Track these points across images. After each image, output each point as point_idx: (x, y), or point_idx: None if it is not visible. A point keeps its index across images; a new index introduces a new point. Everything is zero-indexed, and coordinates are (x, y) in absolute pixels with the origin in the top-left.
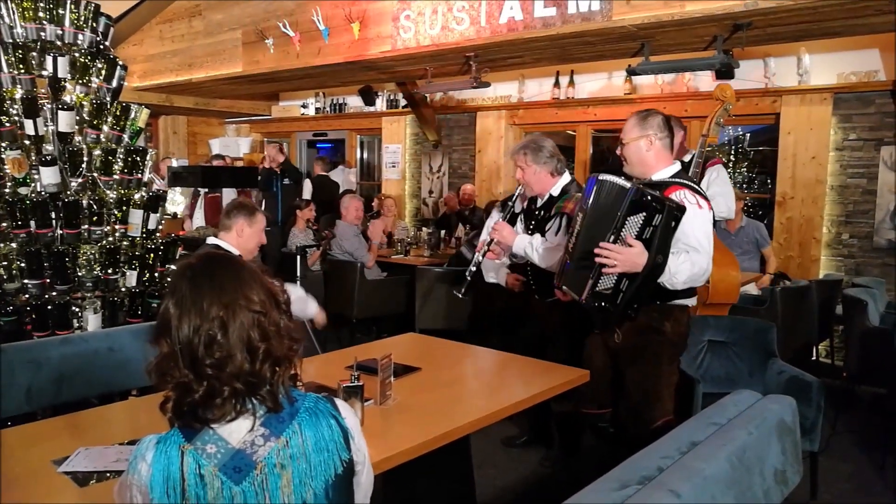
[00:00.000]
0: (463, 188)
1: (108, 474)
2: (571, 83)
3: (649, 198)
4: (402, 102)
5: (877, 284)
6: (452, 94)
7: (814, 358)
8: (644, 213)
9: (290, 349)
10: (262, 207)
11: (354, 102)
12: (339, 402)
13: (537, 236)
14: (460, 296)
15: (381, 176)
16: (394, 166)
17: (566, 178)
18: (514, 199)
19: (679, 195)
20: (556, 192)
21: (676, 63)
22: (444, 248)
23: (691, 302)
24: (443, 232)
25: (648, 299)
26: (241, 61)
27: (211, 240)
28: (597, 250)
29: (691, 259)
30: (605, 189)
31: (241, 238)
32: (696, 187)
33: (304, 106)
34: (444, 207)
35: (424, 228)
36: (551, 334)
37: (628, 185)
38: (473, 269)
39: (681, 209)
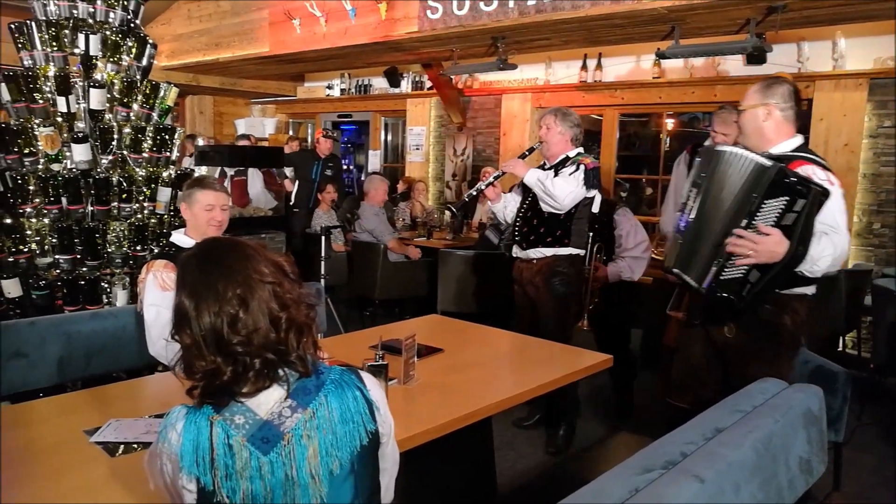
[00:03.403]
0: (484, 170)
1: (137, 445)
2: (599, 66)
3: (794, 179)
4: (427, 84)
5: None
6: (477, 77)
7: (840, 349)
8: (786, 198)
9: (308, 316)
10: (295, 189)
11: (379, 84)
12: (364, 375)
13: (550, 172)
14: (453, 211)
15: (405, 158)
16: (418, 149)
17: (580, 150)
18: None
19: (805, 171)
20: (571, 154)
21: (707, 47)
22: (467, 232)
23: (810, 290)
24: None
25: (780, 289)
26: (267, 41)
27: (174, 236)
28: (730, 239)
29: (832, 241)
30: (733, 163)
31: (189, 220)
32: (824, 162)
33: (329, 87)
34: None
35: (448, 211)
36: (537, 298)
37: (768, 162)
38: (474, 193)
39: (826, 192)
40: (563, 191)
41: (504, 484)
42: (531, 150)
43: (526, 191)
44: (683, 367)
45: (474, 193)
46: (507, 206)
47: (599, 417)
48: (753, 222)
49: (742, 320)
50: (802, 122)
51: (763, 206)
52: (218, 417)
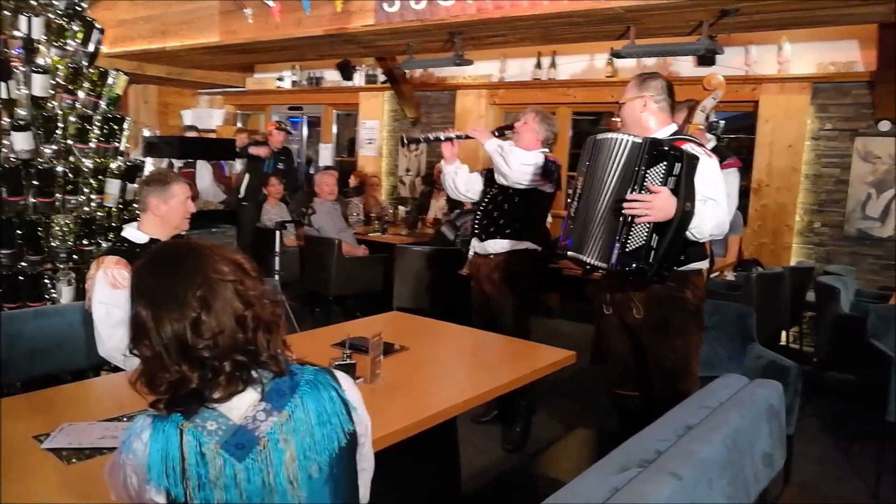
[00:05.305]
0: (438, 167)
1: (93, 451)
2: (553, 64)
3: (666, 147)
4: (381, 78)
5: (847, 273)
6: (432, 72)
7: (783, 343)
8: (665, 163)
9: (274, 313)
10: (245, 183)
11: (332, 77)
12: (339, 374)
13: (508, 142)
14: (405, 142)
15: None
16: (370, 143)
17: (546, 150)
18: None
19: (685, 148)
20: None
21: (661, 47)
22: (422, 227)
23: (704, 265)
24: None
25: (681, 258)
26: (217, 30)
27: (126, 231)
28: (625, 203)
29: (713, 209)
30: (611, 147)
31: (160, 216)
32: (699, 142)
33: (279, 79)
34: (421, 186)
35: (401, 207)
36: (493, 294)
37: (639, 139)
38: (431, 137)
39: (695, 157)
40: (518, 160)
41: (465, 481)
42: (502, 131)
43: (488, 183)
44: (612, 356)
45: (431, 138)
46: (457, 173)
47: (554, 411)
48: (644, 188)
49: (647, 300)
50: (749, 123)
51: (646, 175)
52: (188, 424)
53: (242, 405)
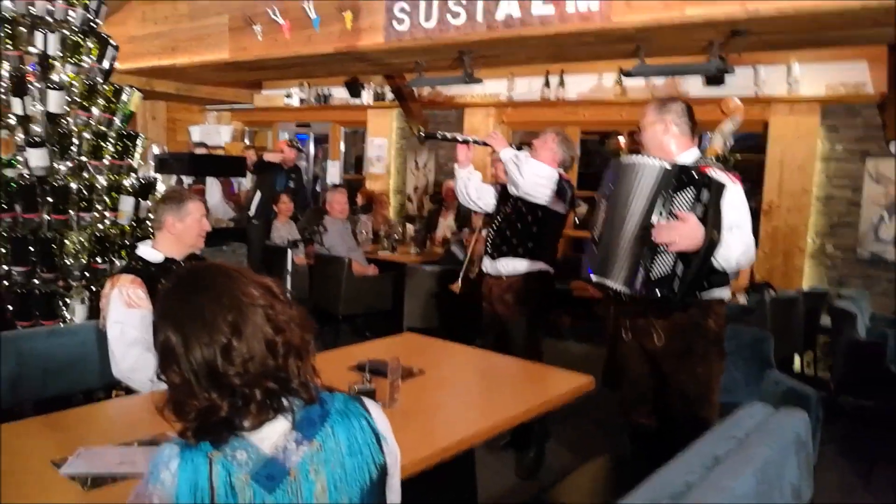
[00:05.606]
0: (447, 184)
1: (112, 478)
2: (562, 83)
3: (694, 173)
4: (389, 96)
5: (861, 296)
6: (441, 90)
7: (796, 368)
8: (692, 190)
9: (304, 338)
10: (256, 200)
11: (340, 94)
12: (369, 403)
13: (524, 152)
14: (421, 135)
15: (365, 170)
16: (379, 160)
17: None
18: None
19: (709, 174)
20: None
21: (672, 67)
22: (431, 246)
23: (726, 292)
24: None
25: (704, 284)
26: (227, 47)
27: (141, 249)
28: (652, 230)
29: (739, 237)
30: (639, 170)
31: (175, 234)
32: (723, 167)
33: (287, 96)
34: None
35: (409, 225)
36: (506, 315)
37: (668, 163)
38: (448, 136)
39: (722, 185)
40: (531, 170)
41: None
42: (521, 146)
43: (502, 201)
44: (628, 383)
45: (448, 137)
46: (470, 178)
47: (568, 435)
48: (672, 215)
49: (669, 328)
50: (759, 143)
51: (674, 199)
52: (218, 454)
53: (273, 434)
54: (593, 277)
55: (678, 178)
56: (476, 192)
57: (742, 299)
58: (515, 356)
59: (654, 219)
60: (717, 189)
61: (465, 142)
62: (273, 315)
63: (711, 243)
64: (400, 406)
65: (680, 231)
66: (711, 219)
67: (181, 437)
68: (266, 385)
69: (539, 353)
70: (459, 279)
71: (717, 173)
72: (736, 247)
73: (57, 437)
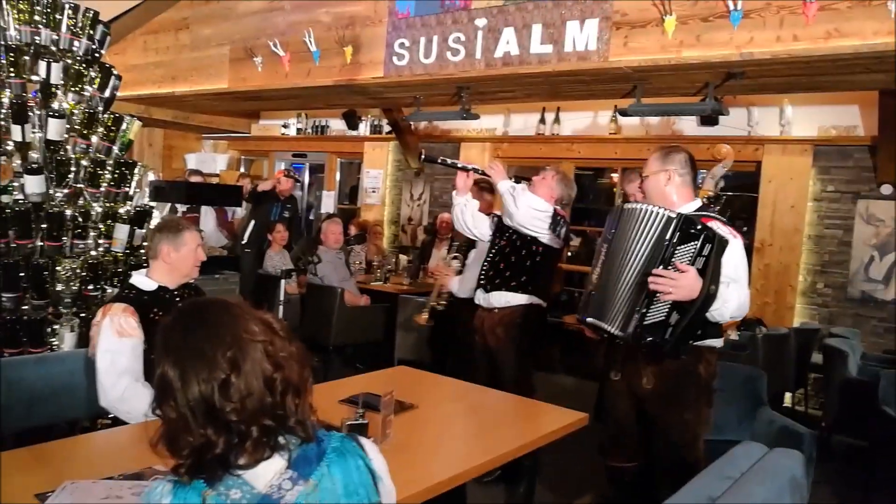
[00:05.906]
0: (441, 216)
1: None
2: (557, 120)
3: (699, 226)
4: (386, 128)
5: (853, 335)
6: (437, 124)
7: (787, 405)
8: (695, 243)
9: (302, 375)
10: (250, 229)
11: (337, 125)
12: (365, 442)
13: (521, 185)
14: (422, 159)
15: (360, 201)
16: (374, 191)
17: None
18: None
19: (709, 224)
20: None
21: (667, 107)
22: (423, 278)
23: (719, 343)
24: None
25: (698, 333)
26: (226, 77)
27: (134, 277)
28: (651, 278)
29: (735, 290)
30: (640, 217)
31: (170, 263)
32: (724, 220)
33: (284, 126)
34: (423, 235)
35: (402, 255)
36: (497, 348)
37: (673, 213)
38: (448, 162)
39: (725, 241)
40: (526, 202)
41: None
42: (519, 180)
43: (497, 235)
44: (613, 424)
45: (448, 162)
46: (467, 205)
47: (558, 469)
48: (671, 265)
49: (659, 372)
50: (752, 182)
51: (676, 251)
52: (211, 493)
53: (268, 473)
54: (589, 319)
55: (682, 230)
56: (472, 220)
57: (734, 335)
58: (505, 389)
59: (655, 267)
60: (720, 244)
61: (465, 169)
62: (272, 351)
63: (708, 297)
64: (392, 440)
65: (679, 282)
66: (711, 273)
67: (174, 473)
68: (263, 422)
69: (530, 386)
70: (426, 311)
71: (719, 227)
72: (732, 301)
73: (42, 470)
